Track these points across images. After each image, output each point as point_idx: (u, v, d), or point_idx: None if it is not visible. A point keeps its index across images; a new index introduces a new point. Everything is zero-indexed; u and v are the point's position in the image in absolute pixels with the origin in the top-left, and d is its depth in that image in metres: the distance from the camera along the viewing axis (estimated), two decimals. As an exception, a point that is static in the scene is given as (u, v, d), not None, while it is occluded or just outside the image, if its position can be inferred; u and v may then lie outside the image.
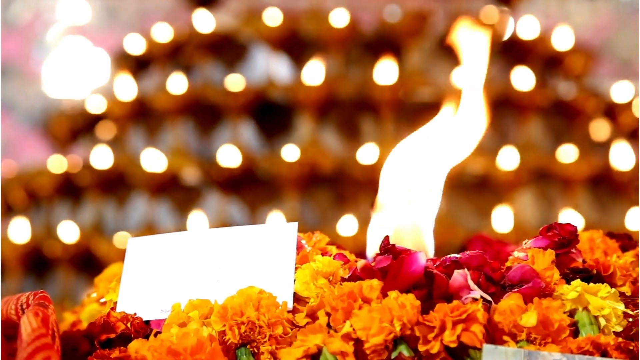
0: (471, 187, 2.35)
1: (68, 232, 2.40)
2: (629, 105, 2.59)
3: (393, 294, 0.91)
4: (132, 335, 0.97)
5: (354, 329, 0.89)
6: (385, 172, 1.13)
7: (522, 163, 2.33)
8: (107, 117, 2.61)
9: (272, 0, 2.62)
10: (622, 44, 3.59)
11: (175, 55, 2.62)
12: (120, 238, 2.30)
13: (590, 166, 2.40)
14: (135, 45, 2.68)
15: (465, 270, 0.94)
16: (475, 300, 0.92)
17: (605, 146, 2.51)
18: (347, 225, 2.22)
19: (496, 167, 2.32)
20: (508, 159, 2.33)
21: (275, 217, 2.23)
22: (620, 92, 2.61)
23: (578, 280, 0.95)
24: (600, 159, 2.44)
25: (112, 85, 2.63)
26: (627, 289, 0.99)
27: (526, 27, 2.60)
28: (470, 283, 0.93)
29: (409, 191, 1.11)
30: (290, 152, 2.31)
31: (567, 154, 2.39)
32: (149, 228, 2.33)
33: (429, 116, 1.28)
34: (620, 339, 0.90)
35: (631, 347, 0.88)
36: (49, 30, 3.52)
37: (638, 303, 0.93)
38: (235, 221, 2.33)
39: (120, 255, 1.09)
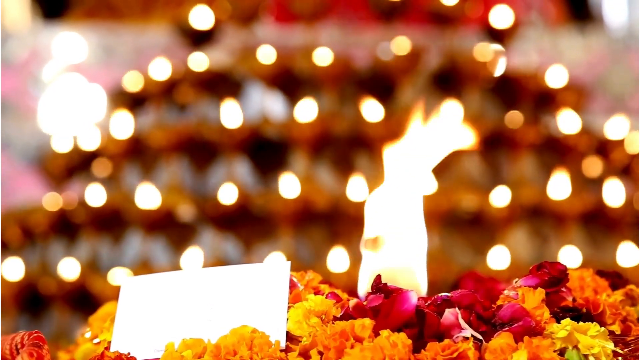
0: (465, 224, 2.36)
1: (63, 269, 2.40)
2: (621, 141, 2.60)
3: (385, 332, 0.92)
4: (126, 375, 0.97)
5: (346, 368, 0.90)
6: (369, 209, 1.14)
7: (515, 200, 2.34)
8: (103, 154, 2.62)
9: (266, 38, 2.64)
10: (614, 80, 3.61)
11: (171, 92, 2.63)
12: (116, 275, 2.30)
13: (583, 202, 2.40)
14: (132, 83, 2.70)
15: (457, 309, 0.95)
16: (466, 339, 0.92)
17: (598, 182, 2.52)
18: (341, 261, 2.22)
19: (489, 204, 2.33)
20: (501, 195, 2.33)
21: (271, 255, 2.23)
22: (612, 128, 2.62)
23: (568, 319, 0.96)
24: (593, 195, 2.45)
25: (108, 123, 2.64)
26: (616, 328, 0.99)
27: (519, 64, 2.62)
28: (461, 322, 0.94)
29: (395, 227, 1.12)
30: (285, 189, 2.32)
31: (560, 190, 2.40)
32: (144, 265, 2.33)
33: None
34: (609, 378, 0.91)
35: (621, 386, 0.89)
36: (45, 67, 3.54)
37: (627, 342, 0.94)
38: (230, 257, 2.33)
39: (116, 292, 1.10)
